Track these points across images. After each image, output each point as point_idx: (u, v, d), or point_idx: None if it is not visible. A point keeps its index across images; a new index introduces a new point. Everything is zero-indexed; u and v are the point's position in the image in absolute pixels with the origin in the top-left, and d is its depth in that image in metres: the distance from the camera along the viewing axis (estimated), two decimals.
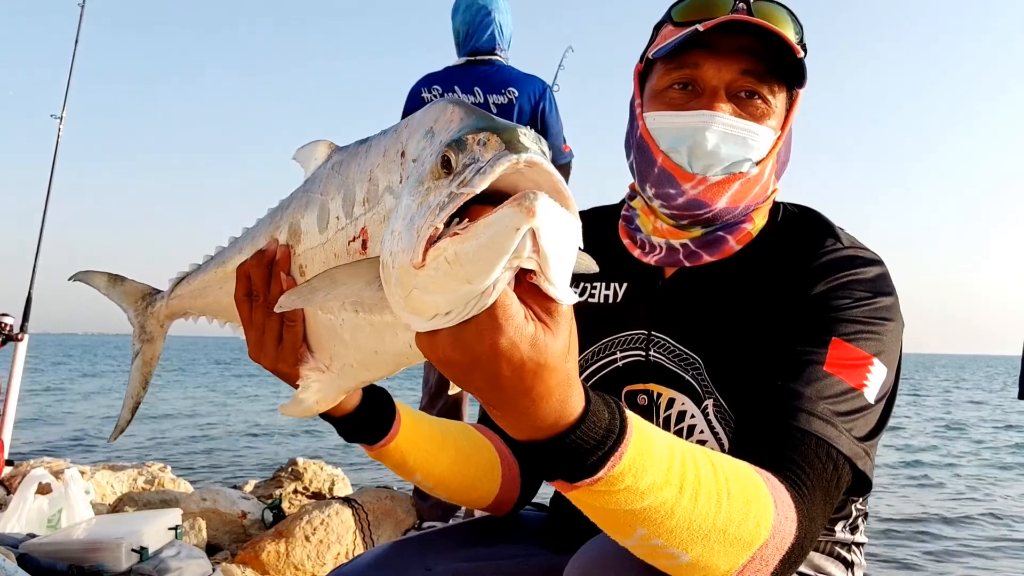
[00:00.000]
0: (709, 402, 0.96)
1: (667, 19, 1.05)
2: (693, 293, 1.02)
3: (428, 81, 3.29)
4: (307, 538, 3.08)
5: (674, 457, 0.65)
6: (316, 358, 0.79)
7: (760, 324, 0.95)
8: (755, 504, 0.69)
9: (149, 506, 3.38)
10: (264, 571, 2.96)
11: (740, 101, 0.98)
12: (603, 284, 1.10)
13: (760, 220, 1.05)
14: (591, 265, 0.67)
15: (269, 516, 3.46)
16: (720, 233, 1.03)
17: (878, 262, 0.98)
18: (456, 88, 3.21)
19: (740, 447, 0.83)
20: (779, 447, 0.80)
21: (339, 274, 0.63)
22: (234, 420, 13.35)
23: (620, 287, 1.09)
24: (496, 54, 3.29)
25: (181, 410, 14.77)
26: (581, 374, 1.06)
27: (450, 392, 0.63)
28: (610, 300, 1.08)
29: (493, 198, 0.48)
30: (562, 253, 0.49)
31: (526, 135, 0.51)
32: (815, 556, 0.99)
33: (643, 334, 1.03)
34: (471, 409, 3.35)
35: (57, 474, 3.18)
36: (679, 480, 0.64)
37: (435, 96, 3.20)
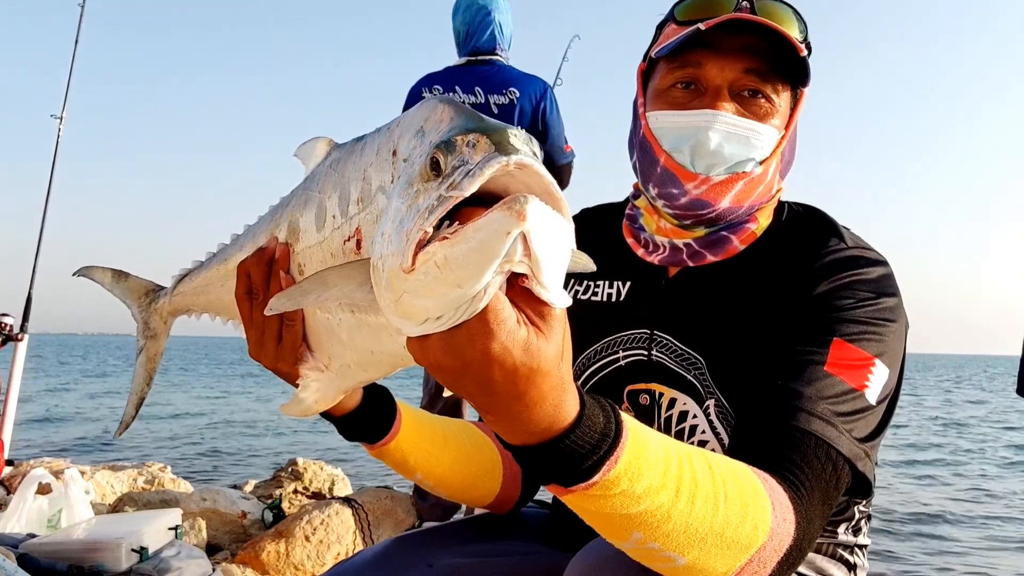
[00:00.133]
0: (711, 402, 0.96)
1: (670, 18, 1.04)
2: (696, 293, 1.02)
3: (429, 81, 3.29)
4: (307, 538, 3.08)
5: (670, 460, 0.64)
6: (315, 357, 0.79)
7: (763, 324, 0.94)
8: (752, 506, 0.69)
9: (149, 506, 3.38)
10: (264, 571, 2.96)
11: (743, 100, 0.98)
12: (606, 283, 1.10)
13: (764, 220, 1.04)
14: (588, 264, 0.66)
15: (269, 516, 3.45)
16: (724, 233, 1.02)
17: (882, 262, 0.97)
18: (457, 88, 3.21)
19: (739, 446, 0.83)
20: (778, 447, 0.79)
21: (330, 276, 0.62)
22: (234, 420, 13.35)
23: (623, 286, 1.08)
24: (497, 54, 3.29)
25: (181, 410, 14.77)
26: (583, 372, 1.06)
27: (446, 393, 0.63)
28: (613, 299, 1.08)
29: (484, 199, 0.48)
30: (554, 256, 0.49)
31: (516, 136, 0.50)
32: (817, 558, 0.99)
33: (646, 333, 1.03)
34: (472, 408, 3.34)
35: (57, 474, 3.18)
36: (675, 483, 0.63)
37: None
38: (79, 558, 2.33)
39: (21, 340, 3.51)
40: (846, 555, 1.01)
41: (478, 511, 1.16)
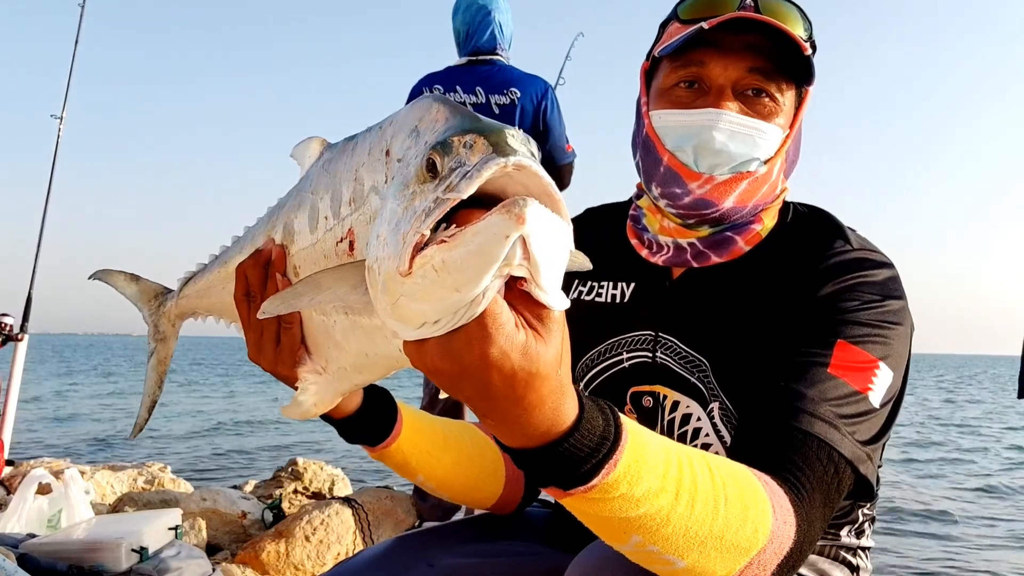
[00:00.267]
0: (715, 405, 0.96)
1: (673, 16, 1.03)
2: (701, 294, 1.01)
3: (429, 81, 3.29)
4: (307, 538, 3.07)
5: (670, 463, 0.64)
6: (313, 360, 0.78)
7: (768, 327, 0.94)
8: (753, 509, 0.68)
9: (149, 506, 3.38)
10: (264, 571, 2.96)
11: (747, 99, 0.97)
12: (610, 284, 1.09)
13: (769, 220, 1.03)
14: (584, 263, 0.66)
15: (269, 516, 3.45)
16: (729, 233, 1.02)
17: (888, 265, 0.96)
18: (458, 88, 3.20)
19: (740, 447, 0.83)
20: (779, 448, 0.79)
21: (324, 279, 0.62)
22: (234, 420, 13.35)
23: (627, 287, 1.07)
24: (497, 54, 3.29)
25: (181, 410, 14.77)
26: (586, 374, 1.06)
27: (442, 396, 0.62)
28: (617, 300, 1.07)
29: (481, 201, 0.47)
30: (553, 259, 0.48)
31: (514, 136, 0.49)
32: (819, 560, 0.98)
33: (650, 335, 1.02)
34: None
35: (57, 474, 3.18)
36: (675, 486, 0.63)
37: None
38: (79, 558, 2.33)
39: (21, 340, 3.51)
40: (849, 557, 1.01)
41: (479, 511, 1.16)
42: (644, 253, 1.07)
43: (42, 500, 2.96)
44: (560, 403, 0.56)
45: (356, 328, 0.68)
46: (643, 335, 1.03)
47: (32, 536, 2.60)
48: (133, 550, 2.38)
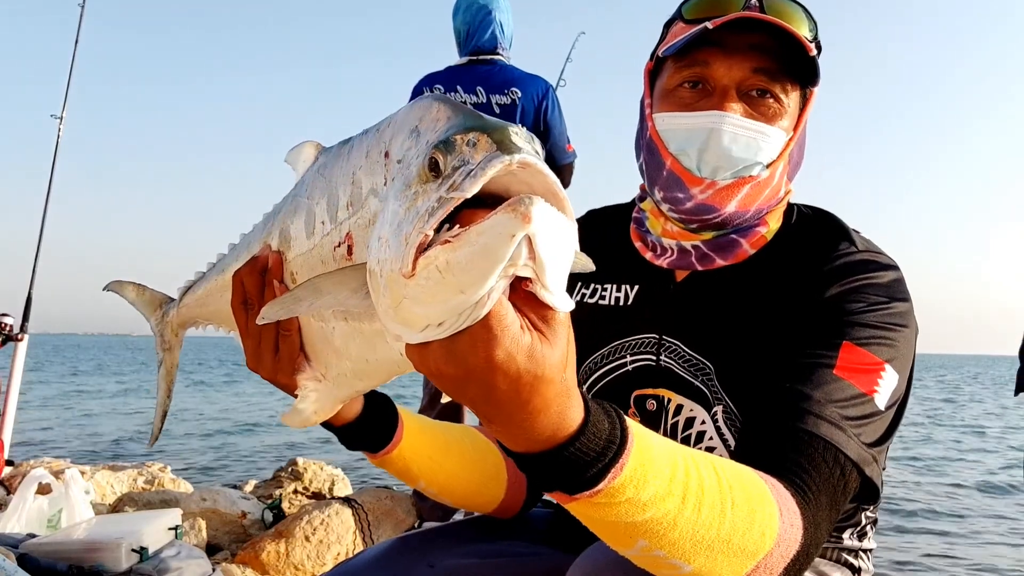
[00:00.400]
0: (719, 408, 0.95)
1: (678, 16, 1.02)
2: (706, 298, 1.01)
3: (430, 81, 3.29)
4: (307, 538, 3.07)
5: (676, 466, 0.63)
6: (313, 367, 0.77)
7: (772, 330, 0.93)
8: (759, 513, 0.68)
9: (149, 506, 3.38)
10: (264, 571, 2.96)
11: (751, 100, 0.96)
12: (613, 286, 1.08)
13: (774, 223, 1.03)
14: (587, 264, 0.65)
15: (269, 516, 3.45)
16: (734, 236, 1.01)
17: (894, 267, 0.95)
18: (459, 88, 3.20)
19: (745, 449, 0.82)
20: (785, 450, 0.78)
21: (323, 283, 0.60)
22: (234, 420, 13.35)
23: (631, 289, 1.07)
24: (498, 54, 3.28)
25: (182, 410, 14.77)
26: (590, 377, 1.05)
27: (443, 400, 0.61)
28: (620, 302, 1.06)
29: (485, 201, 0.46)
30: (559, 259, 0.47)
31: (518, 134, 0.48)
32: (821, 563, 0.98)
33: (654, 338, 1.01)
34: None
35: (57, 474, 3.18)
36: (682, 490, 0.62)
37: None
38: (79, 558, 2.33)
39: (21, 340, 3.51)
40: (850, 559, 1.00)
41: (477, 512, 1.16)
42: (648, 255, 1.07)
43: (42, 500, 2.96)
44: (566, 407, 0.55)
45: (356, 333, 0.67)
46: (647, 338, 1.02)
47: (32, 536, 2.60)
48: (133, 550, 2.38)
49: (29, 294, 3.69)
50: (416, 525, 3.27)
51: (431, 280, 0.46)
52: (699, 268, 1.02)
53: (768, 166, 0.97)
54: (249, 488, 4.28)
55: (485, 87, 3.21)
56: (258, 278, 0.75)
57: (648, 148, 1.02)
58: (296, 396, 0.79)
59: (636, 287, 1.07)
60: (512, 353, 0.48)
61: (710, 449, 0.95)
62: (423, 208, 0.48)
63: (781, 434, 0.80)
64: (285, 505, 3.63)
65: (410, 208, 0.49)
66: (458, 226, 0.46)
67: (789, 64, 0.96)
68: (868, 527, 1.02)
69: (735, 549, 0.65)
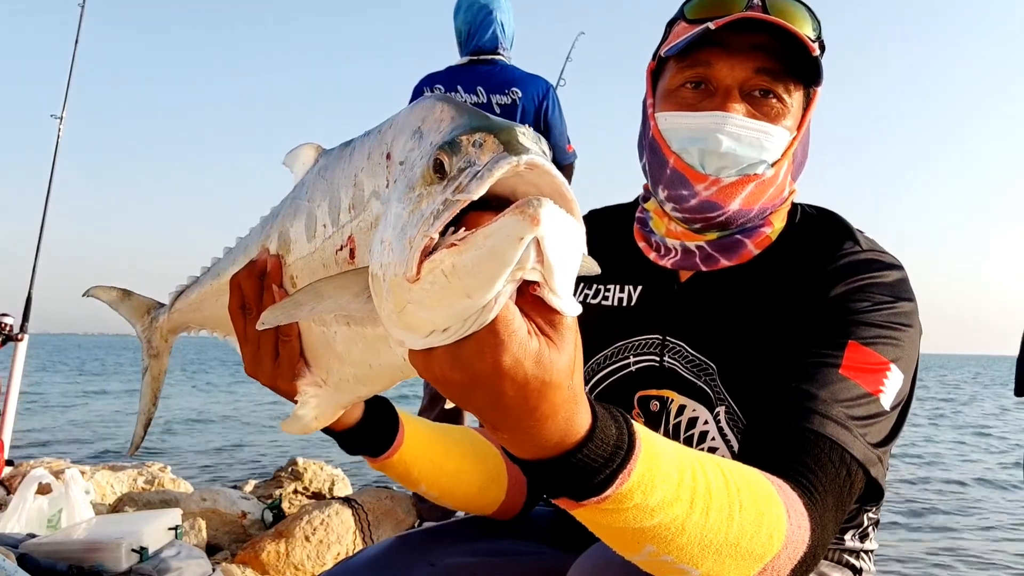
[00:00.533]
0: (721, 409, 0.95)
1: (680, 16, 1.02)
2: (710, 298, 1.00)
3: (430, 81, 3.29)
4: (307, 538, 3.07)
5: (684, 470, 0.62)
6: (313, 372, 0.76)
7: (777, 330, 0.93)
8: (767, 515, 0.67)
9: (149, 506, 3.38)
10: (264, 571, 2.96)
11: (754, 100, 0.96)
12: (617, 287, 1.07)
13: (779, 223, 1.02)
14: (592, 267, 0.64)
15: (269, 516, 3.45)
16: (738, 237, 1.00)
17: (898, 267, 0.95)
18: (459, 88, 3.20)
19: (751, 448, 0.82)
20: (792, 450, 0.78)
21: (324, 287, 0.59)
22: (234, 420, 13.34)
23: (634, 290, 1.06)
24: (499, 53, 3.28)
25: (181, 410, 14.77)
26: (592, 378, 1.04)
27: (447, 406, 0.61)
28: (624, 303, 1.06)
29: (490, 203, 0.45)
30: (567, 262, 0.46)
31: (525, 134, 0.47)
32: (822, 564, 0.98)
33: (658, 339, 1.01)
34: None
35: (57, 474, 3.18)
36: (690, 495, 0.61)
37: None
38: (79, 558, 2.33)
39: (21, 340, 3.51)
40: (852, 560, 1.00)
41: None
42: (652, 256, 1.06)
43: (42, 500, 2.96)
44: (573, 413, 0.54)
45: (358, 338, 0.66)
46: (651, 339, 1.01)
47: (32, 536, 2.60)
48: (133, 550, 2.38)
49: (29, 294, 3.68)
50: (416, 525, 3.27)
51: (436, 285, 0.45)
52: (703, 268, 1.02)
53: (772, 165, 0.97)
54: (249, 488, 4.28)
55: (486, 87, 3.21)
56: (257, 282, 0.74)
57: (651, 148, 1.02)
58: (296, 402, 0.77)
59: (640, 288, 1.06)
60: (520, 359, 0.47)
61: (712, 450, 0.95)
62: (428, 211, 0.47)
63: (787, 434, 0.80)
64: (285, 505, 3.63)
65: (414, 211, 0.48)
66: (464, 229, 0.45)
67: (792, 64, 0.95)
68: (870, 528, 1.02)
69: (743, 552, 0.65)
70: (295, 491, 3.96)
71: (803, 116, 1.00)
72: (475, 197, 0.45)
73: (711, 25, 0.92)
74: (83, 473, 3.81)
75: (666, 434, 0.98)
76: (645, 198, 1.11)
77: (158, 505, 3.33)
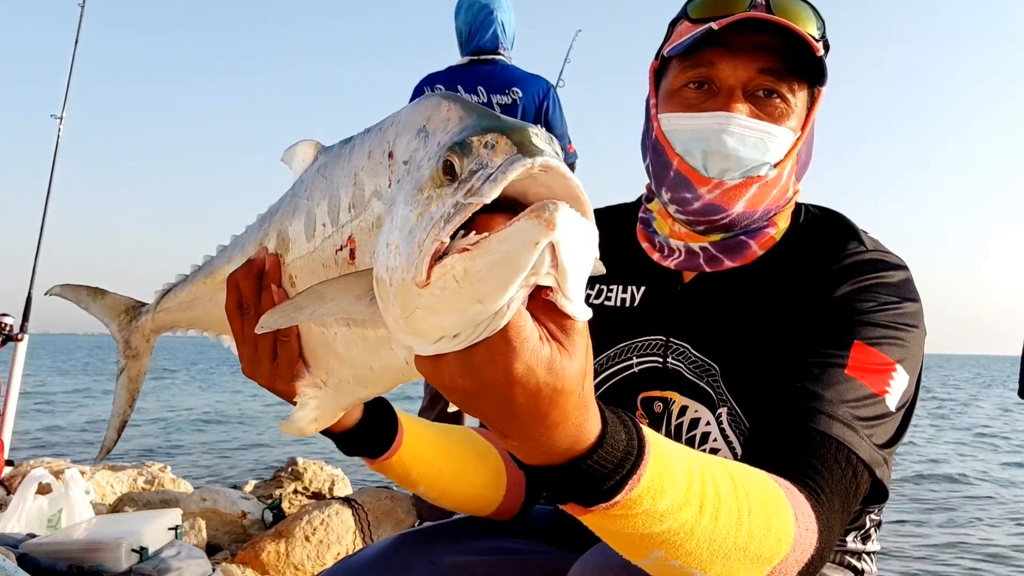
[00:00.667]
0: (723, 410, 0.94)
1: (683, 15, 1.01)
2: (714, 299, 0.99)
3: (431, 80, 3.29)
4: (307, 538, 3.07)
5: (693, 475, 0.61)
6: (312, 373, 0.74)
7: (781, 331, 0.92)
8: (776, 519, 0.67)
9: (149, 506, 3.38)
10: (264, 571, 2.96)
11: (758, 101, 0.95)
12: (620, 287, 1.07)
13: (783, 224, 1.02)
14: (599, 268, 0.63)
15: (269, 516, 3.45)
16: (742, 238, 1.00)
17: (903, 267, 0.95)
18: (459, 88, 3.20)
19: (756, 449, 0.81)
20: (798, 450, 0.77)
21: (326, 290, 0.58)
22: (234, 420, 13.34)
23: (638, 291, 1.05)
24: (499, 53, 3.28)
25: (182, 410, 14.77)
26: (596, 378, 1.04)
27: (450, 409, 0.60)
28: (627, 304, 1.05)
29: (500, 205, 0.44)
30: (581, 267, 0.45)
31: (538, 135, 0.46)
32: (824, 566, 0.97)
33: (661, 340, 1.00)
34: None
35: (57, 474, 3.18)
36: (699, 500, 0.61)
37: None
38: (79, 558, 2.33)
39: (21, 340, 3.51)
40: (854, 562, 1.00)
41: None
42: (655, 256, 1.05)
43: (42, 500, 2.95)
44: (584, 419, 0.53)
45: (360, 340, 0.65)
46: (654, 340, 1.01)
47: (32, 536, 2.60)
48: (133, 550, 2.38)
49: (29, 294, 3.68)
50: (416, 525, 3.27)
51: (447, 290, 0.44)
52: (707, 269, 1.01)
53: (776, 165, 0.96)
54: (249, 488, 4.28)
55: (486, 87, 3.21)
56: (255, 281, 0.73)
57: (654, 149, 1.01)
58: (295, 403, 0.76)
59: (643, 288, 1.05)
60: (532, 366, 0.46)
61: (714, 451, 0.95)
62: (438, 214, 0.45)
63: (793, 434, 0.79)
64: (285, 505, 3.63)
65: (423, 213, 0.47)
66: (474, 233, 0.44)
67: (796, 64, 0.94)
68: (872, 529, 1.02)
69: (752, 556, 0.64)
70: (295, 491, 3.96)
71: (807, 116, 0.99)
72: (488, 200, 0.44)
73: (714, 25, 0.91)
74: (83, 473, 3.80)
75: (668, 435, 0.97)
76: (648, 198, 1.10)
77: (158, 505, 3.32)
